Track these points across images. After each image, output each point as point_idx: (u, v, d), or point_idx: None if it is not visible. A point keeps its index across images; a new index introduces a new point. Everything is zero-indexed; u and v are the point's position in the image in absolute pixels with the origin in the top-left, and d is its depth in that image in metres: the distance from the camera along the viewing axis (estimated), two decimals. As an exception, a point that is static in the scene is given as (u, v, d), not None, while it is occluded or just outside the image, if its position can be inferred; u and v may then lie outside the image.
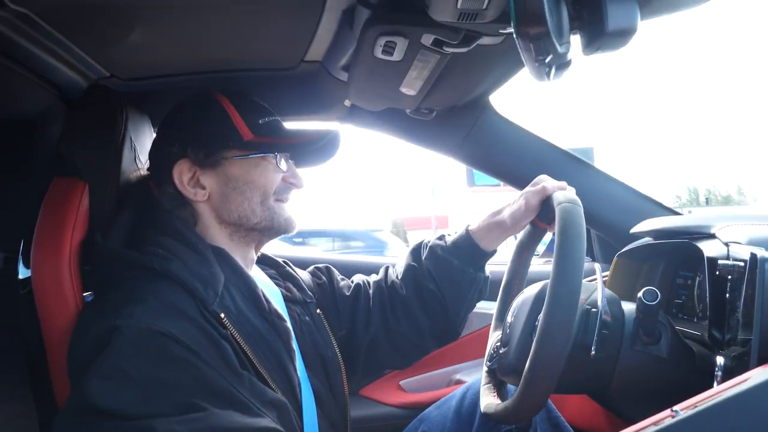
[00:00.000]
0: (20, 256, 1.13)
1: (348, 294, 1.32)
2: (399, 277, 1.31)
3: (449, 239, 1.29)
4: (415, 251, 1.33)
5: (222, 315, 0.96)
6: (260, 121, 1.11)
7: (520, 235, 1.23)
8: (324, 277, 1.36)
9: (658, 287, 1.30)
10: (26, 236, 1.06)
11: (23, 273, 1.10)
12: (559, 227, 0.91)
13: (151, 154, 1.16)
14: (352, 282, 1.36)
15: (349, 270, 1.43)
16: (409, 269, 1.31)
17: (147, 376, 0.83)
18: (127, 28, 1.05)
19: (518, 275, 1.25)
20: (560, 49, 0.66)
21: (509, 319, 1.10)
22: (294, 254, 1.67)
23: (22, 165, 1.28)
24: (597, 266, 1.03)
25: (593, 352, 0.95)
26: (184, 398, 0.84)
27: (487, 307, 1.68)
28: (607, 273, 1.41)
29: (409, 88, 1.16)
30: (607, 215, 1.49)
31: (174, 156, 1.08)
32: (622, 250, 1.38)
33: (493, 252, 1.28)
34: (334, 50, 1.22)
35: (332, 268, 1.40)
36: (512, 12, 0.62)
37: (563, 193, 1.01)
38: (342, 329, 1.29)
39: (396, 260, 1.41)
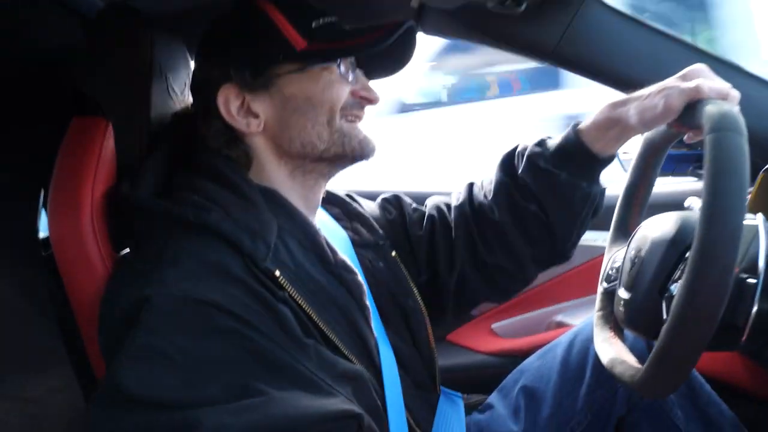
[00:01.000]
0: (40, 210, 1.00)
1: (422, 231, 1.12)
2: (489, 198, 1.08)
3: (552, 144, 1.01)
4: (507, 161, 1.08)
5: (277, 272, 0.79)
6: (314, 24, 0.90)
7: (650, 132, 0.96)
8: (394, 211, 1.15)
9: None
10: (47, 183, 0.93)
11: (44, 230, 0.97)
12: (712, 158, 0.66)
13: (192, 84, 0.98)
14: (425, 210, 1.15)
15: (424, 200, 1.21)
16: (501, 186, 1.06)
17: (187, 354, 0.68)
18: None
19: (646, 179, 1.00)
20: None
21: (632, 252, 0.89)
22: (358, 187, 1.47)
23: (45, 103, 1.14)
24: (760, 218, 0.77)
25: (744, 339, 0.74)
26: (236, 379, 0.69)
27: (590, 238, 1.46)
28: (751, 189, 1.13)
29: (495, -30, 0.89)
30: (754, 125, 1.16)
31: (216, 81, 0.89)
32: (771, 165, 1.10)
33: (612, 158, 1.00)
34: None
35: (402, 197, 1.19)
36: None
37: (722, 109, 0.71)
38: (422, 274, 1.11)
39: (481, 175, 1.16)
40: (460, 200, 1.13)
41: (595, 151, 0.97)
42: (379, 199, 1.19)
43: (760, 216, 0.78)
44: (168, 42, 1.02)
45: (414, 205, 1.18)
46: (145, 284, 0.71)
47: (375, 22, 1.24)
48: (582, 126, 0.99)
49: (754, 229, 0.77)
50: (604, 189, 1.04)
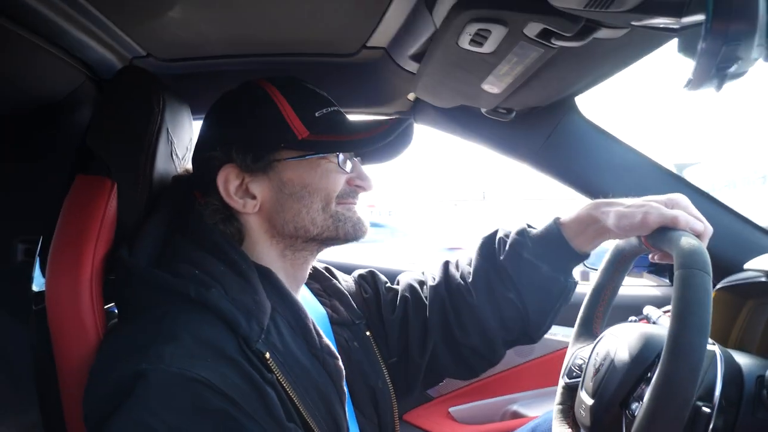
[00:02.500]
0: (37, 258, 0.99)
1: (394, 313, 1.12)
2: (468, 280, 1.09)
3: (534, 234, 1.04)
4: (487, 247, 1.09)
5: (267, 355, 0.80)
6: (317, 114, 0.93)
7: (622, 241, 1.00)
8: (370, 290, 1.16)
9: (764, 329, 1.13)
10: (46, 232, 0.92)
11: (38, 284, 0.95)
12: (680, 295, 0.72)
13: (194, 159, 0.99)
14: (399, 290, 1.15)
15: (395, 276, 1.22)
16: (480, 271, 1.08)
17: (176, 431, 0.68)
18: (167, 1, 0.90)
19: (612, 282, 1.04)
20: (755, 54, 0.47)
21: (597, 358, 0.93)
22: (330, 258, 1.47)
23: (50, 151, 1.14)
24: (718, 350, 0.83)
25: None
26: None
27: (551, 333, 1.51)
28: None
29: (493, 85, 0.97)
30: (713, 247, 1.27)
31: (217, 161, 0.91)
32: (724, 283, 1.18)
33: (586, 255, 1.04)
34: (403, 36, 1.04)
35: (377, 274, 1.19)
36: (710, 1, 0.43)
37: (693, 246, 0.77)
38: (393, 356, 1.11)
39: (458, 255, 1.17)
40: (437, 280, 1.13)
41: (574, 246, 1.01)
42: (355, 275, 1.20)
43: (716, 347, 0.84)
44: (176, 105, 1.05)
45: (388, 283, 1.19)
46: (142, 358, 0.71)
47: (374, 112, 1.32)
48: (563, 220, 1.02)
49: (711, 355, 0.82)
50: (576, 283, 1.06)
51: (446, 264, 1.16)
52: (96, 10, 0.89)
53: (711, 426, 0.78)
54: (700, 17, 0.48)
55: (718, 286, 1.21)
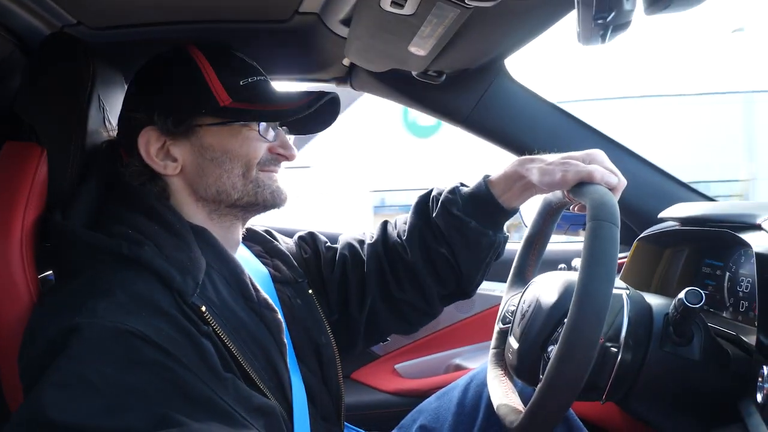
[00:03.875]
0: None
1: (333, 272, 1.16)
2: (403, 238, 1.14)
3: (464, 192, 1.09)
4: (422, 205, 1.14)
5: (203, 308, 0.83)
6: (242, 82, 0.95)
7: (549, 194, 1.08)
8: (309, 250, 1.19)
9: (680, 275, 1.22)
10: None
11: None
12: (589, 245, 0.78)
13: (119, 120, 1.00)
14: (338, 248, 1.19)
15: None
16: (415, 229, 1.13)
17: (112, 383, 0.70)
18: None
19: (542, 233, 1.13)
20: (627, 5, 0.52)
21: (524, 305, 1.00)
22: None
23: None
24: (625, 294, 0.90)
25: (605, 395, 0.87)
26: (156, 408, 0.71)
27: (490, 288, 1.59)
28: (626, 255, 1.31)
29: (419, 47, 1.01)
30: (632, 198, 1.35)
31: (139, 123, 0.92)
32: (643, 234, 1.27)
33: (515, 211, 1.10)
34: (333, 1, 1.06)
35: (317, 235, 1.23)
36: (577, -48, 0.48)
37: (603, 199, 0.83)
38: (333, 313, 1.16)
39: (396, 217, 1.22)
40: (375, 239, 1.18)
41: (501, 202, 1.06)
42: (295, 237, 1.23)
43: (624, 291, 0.91)
44: (108, 73, 1.05)
45: (328, 243, 1.22)
46: (76, 313, 0.73)
47: (311, 79, 1.34)
48: (492, 177, 1.08)
49: (621, 300, 0.89)
50: (506, 237, 1.12)
51: (384, 223, 1.21)
52: None
53: (618, 362, 0.86)
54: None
55: (638, 237, 1.29)
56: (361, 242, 1.20)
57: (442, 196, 1.11)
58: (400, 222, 1.19)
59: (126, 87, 1.13)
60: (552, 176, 0.96)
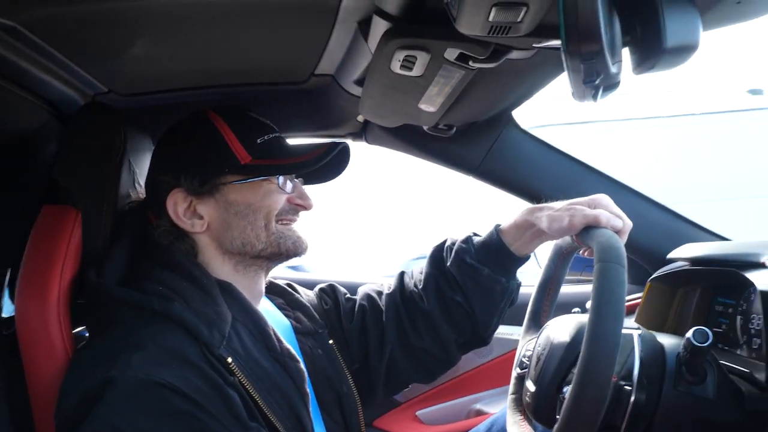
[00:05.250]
0: (5, 288, 1.05)
1: (353, 322, 1.19)
2: (419, 287, 1.17)
3: (477, 241, 1.13)
4: (437, 256, 1.18)
5: (229, 360, 0.87)
6: (259, 140, 1.02)
7: (560, 240, 1.09)
8: (330, 301, 1.23)
9: (694, 314, 1.23)
10: (14, 265, 0.98)
11: (7, 311, 1.01)
12: (598, 286, 0.80)
13: (146, 184, 1.07)
14: (357, 299, 1.23)
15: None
16: (430, 278, 1.16)
17: None
18: (125, 39, 0.97)
19: (555, 278, 1.14)
20: (612, 69, 0.57)
21: (539, 348, 1.02)
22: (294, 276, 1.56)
23: (17, 187, 1.20)
24: (636, 334, 0.92)
25: None
26: None
27: (508, 332, 1.60)
28: (640, 295, 1.32)
29: (429, 104, 1.07)
30: (642, 239, 1.37)
31: (167, 185, 0.99)
32: (656, 275, 1.29)
33: (527, 258, 1.14)
34: (347, 63, 1.13)
35: (337, 287, 1.27)
36: (562, 28, 0.53)
37: (610, 242, 0.86)
38: (354, 362, 1.19)
39: (411, 267, 1.26)
40: (392, 289, 1.21)
41: (513, 250, 1.10)
42: (316, 289, 1.27)
43: (635, 331, 0.92)
44: (137, 137, 1.13)
45: (347, 294, 1.26)
46: (111, 366, 0.78)
47: (328, 135, 1.41)
48: (503, 227, 1.11)
49: (632, 340, 0.90)
50: (519, 283, 1.16)
51: (401, 274, 1.25)
52: (55, 50, 0.95)
53: (632, 401, 0.87)
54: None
55: (650, 278, 1.31)
56: (380, 293, 1.23)
57: (456, 246, 1.14)
58: (416, 272, 1.22)
59: (152, 149, 1.20)
60: (560, 223, 0.99)
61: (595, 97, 0.62)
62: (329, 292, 1.26)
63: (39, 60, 0.99)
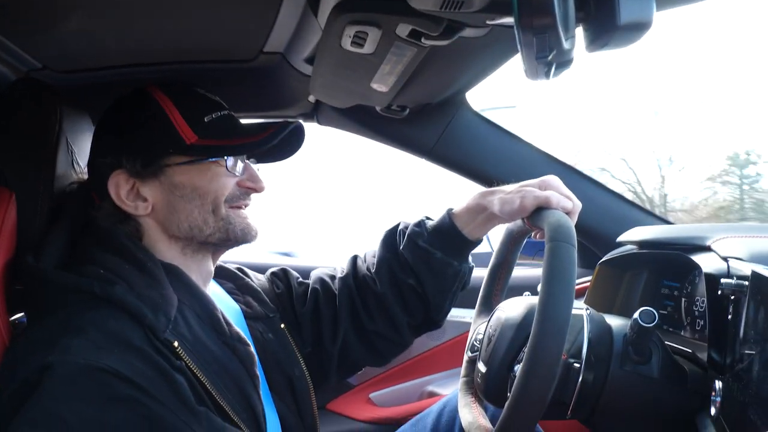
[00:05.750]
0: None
1: (305, 305, 1.18)
2: (372, 271, 1.17)
3: (429, 225, 1.12)
4: (389, 239, 1.17)
5: (175, 343, 0.84)
6: (206, 119, 0.97)
7: (511, 224, 1.11)
8: (282, 285, 1.21)
9: (641, 296, 1.26)
10: None
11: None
12: (548, 265, 0.81)
13: (88, 165, 1.01)
14: (309, 283, 1.21)
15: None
16: (383, 261, 1.16)
17: (86, 420, 0.72)
18: (61, 13, 0.92)
19: (506, 262, 1.15)
20: (566, 45, 0.56)
21: (490, 329, 1.03)
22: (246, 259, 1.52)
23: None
24: (585, 314, 0.94)
25: (570, 412, 0.90)
26: None
27: (460, 315, 1.62)
28: (589, 279, 1.35)
29: (381, 84, 1.05)
30: (592, 222, 1.40)
31: (108, 167, 0.94)
32: (605, 258, 1.32)
33: (479, 241, 1.13)
34: (296, 41, 1.10)
35: (289, 271, 1.24)
36: (515, 1, 0.52)
37: (560, 221, 0.87)
38: (307, 346, 1.17)
39: (363, 250, 1.25)
40: (345, 272, 1.20)
41: (465, 233, 1.09)
42: (268, 273, 1.25)
43: (584, 311, 0.94)
44: (75, 116, 1.06)
45: (300, 279, 1.24)
46: (49, 351, 0.74)
47: (278, 115, 1.37)
48: (455, 210, 1.10)
49: (581, 319, 0.93)
50: (472, 266, 1.16)
51: (354, 258, 1.23)
52: None
53: (581, 379, 0.89)
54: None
55: (600, 262, 1.34)
56: (333, 277, 1.22)
57: (409, 229, 1.14)
58: (369, 256, 1.21)
59: (91, 129, 1.14)
60: (511, 205, 0.99)
61: (548, 74, 0.62)
62: (281, 276, 1.24)
63: (-34, 33, 0.92)
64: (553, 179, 1.02)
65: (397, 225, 1.19)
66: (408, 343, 1.21)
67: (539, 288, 1.16)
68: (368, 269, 1.18)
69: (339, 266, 1.25)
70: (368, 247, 1.25)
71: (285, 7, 0.96)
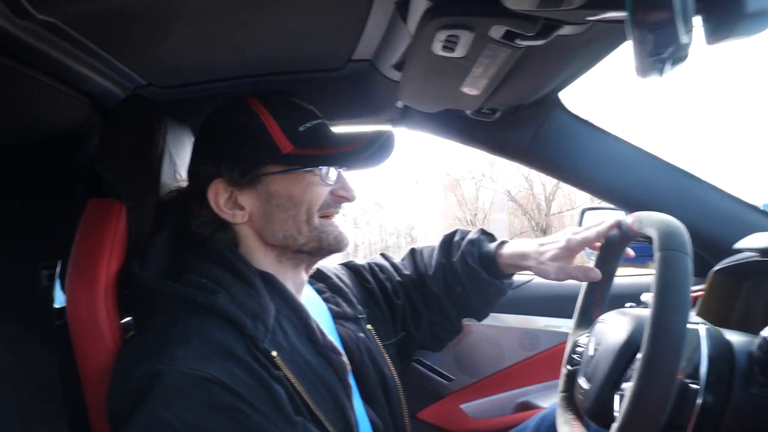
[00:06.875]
0: (57, 279, 1.06)
1: (400, 297, 1.27)
2: (430, 272, 1.28)
3: (481, 248, 1.24)
4: (446, 246, 1.30)
5: (274, 353, 0.85)
6: (301, 128, 0.98)
7: (611, 231, 1.09)
8: (372, 281, 1.27)
9: (764, 309, 1.15)
10: (64, 256, 0.99)
11: (59, 301, 1.02)
12: (661, 275, 0.75)
13: (189, 173, 1.05)
14: (393, 277, 1.30)
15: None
16: (440, 266, 1.28)
17: (190, 426, 0.74)
18: (162, 32, 0.96)
19: (606, 272, 1.11)
20: (684, 39, 0.51)
21: (593, 344, 0.97)
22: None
23: (63, 180, 1.21)
24: (702, 329, 0.86)
25: None
26: None
27: (555, 325, 1.55)
28: (701, 287, 1.25)
29: (472, 87, 1.02)
30: (704, 228, 1.29)
31: (207, 176, 0.97)
32: (720, 266, 1.20)
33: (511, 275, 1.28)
34: (385, 47, 1.09)
35: (375, 266, 1.31)
36: (627, -6, 0.48)
37: (672, 228, 0.81)
38: (398, 335, 1.25)
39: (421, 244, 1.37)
40: (409, 269, 1.32)
41: (506, 271, 1.24)
42: (347, 268, 1.29)
43: (701, 326, 0.86)
44: (177, 129, 1.11)
45: (383, 273, 1.30)
46: (157, 360, 0.77)
47: (366, 122, 1.38)
48: (504, 251, 1.22)
49: (697, 334, 0.84)
50: (512, 283, 1.29)
51: (413, 252, 1.36)
52: (93, 43, 0.95)
53: (700, 402, 0.81)
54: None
55: (714, 269, 1.23)
56: (397, 268, 1.32)
57: (463, 246, 1.26)
58: (426, 254, 1.33)
59: (192, 141, 1.19)
60: (546, 275, 1.15)
61: (661, 71, 0.57)
62: (369, 270, 1.29)
63: (79, 55, 0.99)
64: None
65: (454, 233, 1.31)
66: (460, 328, 1.35)
67: (645, 298, 1.08)
68: (425, 267, 1.30)
69: (400, 260, 1.36)
70: (424, 243, 1.39)
71: (374, 15, 0.95)
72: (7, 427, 0.95)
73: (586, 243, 1.10)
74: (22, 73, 0.92)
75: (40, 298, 1.08)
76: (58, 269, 1.09)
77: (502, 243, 1.24)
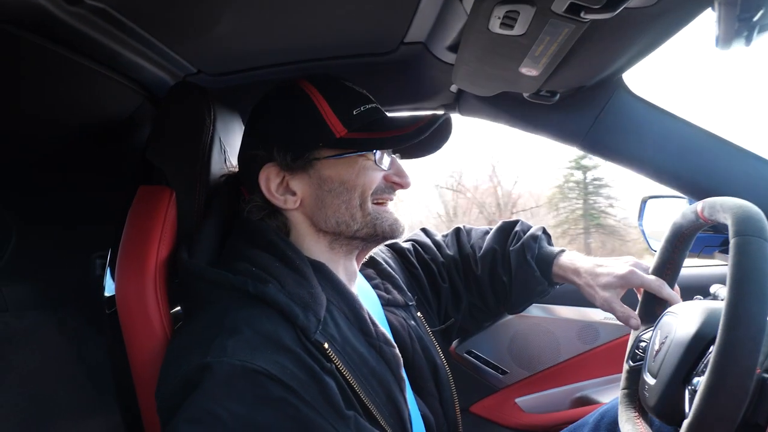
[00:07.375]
0: (107, 267, 1.07)
1: (444, 281, 1.26)
2: (478, 254, 1.27)
3: (541, 246, 1.23)
4: (504, 233, 1.28)
5: (326, 345, 0.83)
6: (354, 112, 0.95)
7: (678, 217, 1.01)
8: (418, 266, 1.25)
9: None
10: (114, 246, 1.00)
11: (109, 290, 1.03)
12: (737, 263, 0.70)
13: (239, 159, 1.03)
14: (438, 258, 1.29)
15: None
16: (490, 251, 1.26)
17: (241, 419, 0.73)
18: (212, 19, 0.95)
19: (672, 262, 1.05)
20: (778, 2, 0.46)
21: (659, 338, 0.91)
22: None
23: (116, 169, 1.23)
24: None
25: None
26: None
27: (614, 318, 1.47)
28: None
29: (531, 68, 0.97)
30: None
31: (259, 160, 0.95)
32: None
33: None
34: (438, 28, 1.05)
35: (418, 246, 1.30)
36: (717, -52, 0.42)
37: (748, 213, 0.76)
38: (445, 320, 1.25)
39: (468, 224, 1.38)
40: (452, 249, 1.30)
41: (556, 280, 1.22)
42: (401, 249, 1.27)
43: None
44: (227, 115, 1.11)
45: (427, 254, 1.28)
46: (206, 352, 0.76)
47: (419, 107, 1.34)
48: (562, 260, 1.20)
49: None
50: (556, 287, 1.26)
51: (458, 231, 1.34)
52: (143, 30, 0.94)
53: None
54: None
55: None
56: (439, 245, 1.31)
57: (525, 238, 1.24)
58: (474, 235, 1.29)
59: (242, 127, 1.18)
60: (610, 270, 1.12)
61: (749, 39, 0.51)
62: (413, 252, 1.28)
63: (130, 42, 0.99)
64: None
65: (515, 223, 1.29)
66: (499, 313, 1.38)
67: (718, 294, 1.01)
68: (472, 248, 1.28)
69: (443, 238, 1.34)
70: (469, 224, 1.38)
71: (427, -6, 0.91)
72: (61, 416, 0.97)
73: (645, 287, 1.06)
74: (73, 61, 0.93)
75: (93, 286, 1.10)
76: (108, 257, 1.10)
77: (562, 251, 1.22)
